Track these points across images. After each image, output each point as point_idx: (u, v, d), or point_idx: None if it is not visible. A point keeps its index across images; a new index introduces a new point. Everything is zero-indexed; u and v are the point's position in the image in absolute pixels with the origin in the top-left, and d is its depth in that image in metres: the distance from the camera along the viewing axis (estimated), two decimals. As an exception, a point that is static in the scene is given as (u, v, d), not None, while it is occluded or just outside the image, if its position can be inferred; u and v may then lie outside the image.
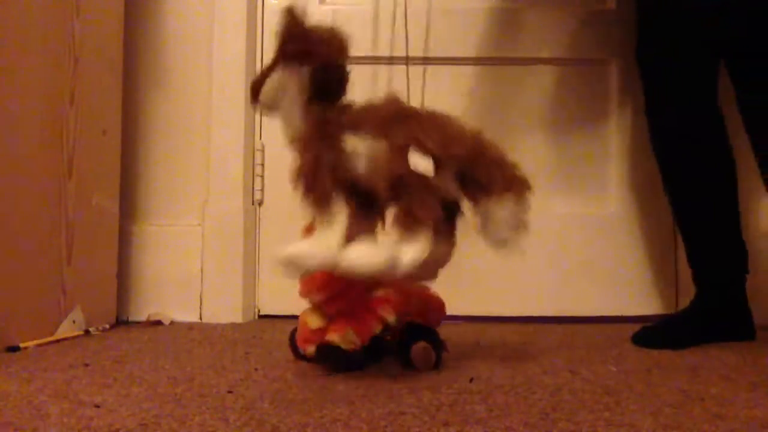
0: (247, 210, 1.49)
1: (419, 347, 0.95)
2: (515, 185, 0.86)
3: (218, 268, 1.46)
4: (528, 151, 1.51)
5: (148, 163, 1.51)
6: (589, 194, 1.55)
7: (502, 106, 1.56)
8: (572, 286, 1.51)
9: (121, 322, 1.42)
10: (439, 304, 1.03)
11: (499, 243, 0.87)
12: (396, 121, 0.87)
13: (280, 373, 0.92)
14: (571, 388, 0.83)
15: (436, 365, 0.95)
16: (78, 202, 1.25)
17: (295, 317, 1.01)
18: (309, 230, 0.90)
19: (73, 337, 1.22)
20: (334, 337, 0.91)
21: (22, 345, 1.09)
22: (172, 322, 1.42)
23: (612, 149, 1.56)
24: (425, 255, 0.82)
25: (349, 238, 0.85)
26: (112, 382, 0.85)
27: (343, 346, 0.90)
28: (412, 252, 0.81)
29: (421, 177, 0.84)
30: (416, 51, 1.51)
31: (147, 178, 1.51)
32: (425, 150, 0.84)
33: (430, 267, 0.88)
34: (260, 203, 1.54)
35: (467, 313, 1.45)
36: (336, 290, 0.93)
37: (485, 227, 0.87)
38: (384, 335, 0.96)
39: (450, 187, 0.87)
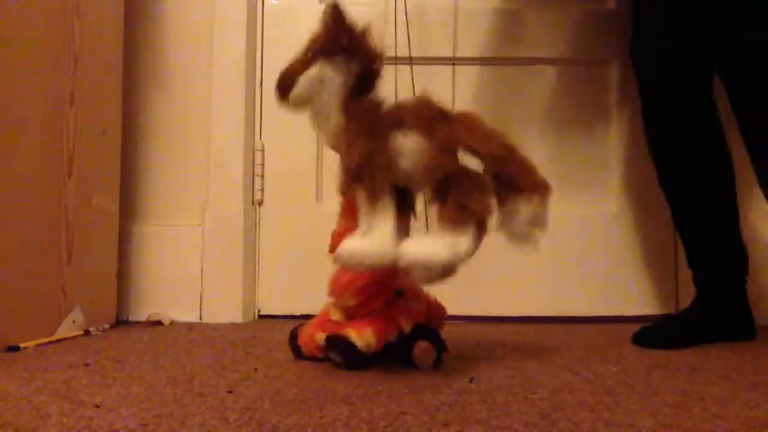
0: (247, 210, 1.49)
1: (421, 346, 0.95)
2: (541, 186, 0.89)
3: (218, 268, 1.46)
4: (528, 150, 1.48)
5: (148, 163, 1.51)
6: (589, 194, 1.55)
7: (502, 106, 1.56)
8: (572, 286, 1.51)
9: (121, 322, 1.42)
10: (440, 306, 1.04)
11: (521, 239, 0.89)
12: (438, 119, 0.89)
13: (280, 373, 0.92)
14: (571, 388, 0.83)
15: (437, 364, 0.95)
16: (78, 202, 1.25)
17: (295, 317, 1.02)
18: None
19: (73, 337, 1.22)
20: (351, 333, 0.91)
21: (22, 345, 1.09)
22: (172, 322, 1.42)
23: (612, 149, 1.56)
24: (477, 247, 0.84)
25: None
26: (112, 382, 0.85)
27: (358, 343, 0.91)
28: (466, 244, 0.82)
29: (471, 173, 0.86)
30: (415, 51, 1.51)
31: (147, 178, 1.51)
32: (471, 148, 0.87)
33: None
34: (260, 203, 1.54)
35: (467, 313, 1.45)
36: (369, 295, 0.94)
37: (509, 223, 0.88)
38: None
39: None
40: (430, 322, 1.00)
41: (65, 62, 1.22)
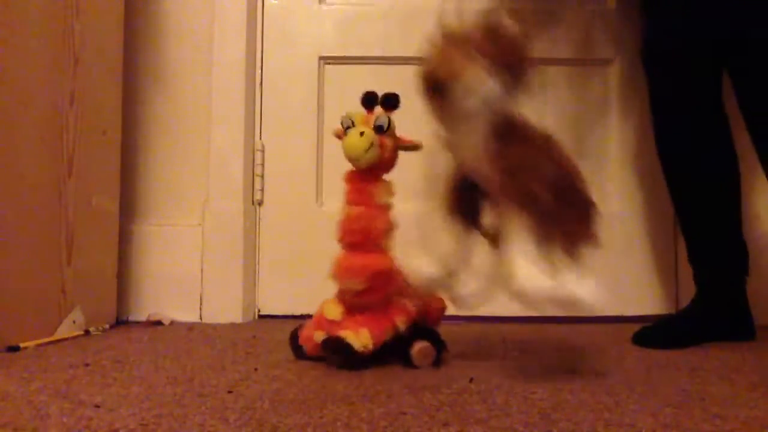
0: (247, 210, 1.49)
1: (419, 346, 0.95)
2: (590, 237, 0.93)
3: (218, 268, 1.46)
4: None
5: (147, 163, 1.51)
6: (589, 194, 1.54)
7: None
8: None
9: (121, 322, 1.42)
10: (440, 304, 1.04)
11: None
12: (546, 138, 0.91)
13: (280, 373, 0.92)
14: (571, 388, 0.83)
15: (437, 364, 0.95)
16: (78, 202, 1.25)
17: (295, 317, 1.02)
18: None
19: (73, 337, 1.21)
20: (347, 333, 0.92)
21: (22, 345, 1.09)
22: (172, 322, 1.42)
23: (612, 149, 1.55)
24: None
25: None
26: (112, 382, 0.85)
27: (355, 345, 0.91)
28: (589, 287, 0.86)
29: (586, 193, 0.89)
30: (415, 51, 1.51)
31: (147, 178, 1.51)
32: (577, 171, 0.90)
33: None
34: (260, 203, 1.54)
35: (467, 313, 1.45)
36: (377, 284, 0.94)
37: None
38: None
39: None
40: (426, 321, 1.00)
41: (65, 62, 1.22)
